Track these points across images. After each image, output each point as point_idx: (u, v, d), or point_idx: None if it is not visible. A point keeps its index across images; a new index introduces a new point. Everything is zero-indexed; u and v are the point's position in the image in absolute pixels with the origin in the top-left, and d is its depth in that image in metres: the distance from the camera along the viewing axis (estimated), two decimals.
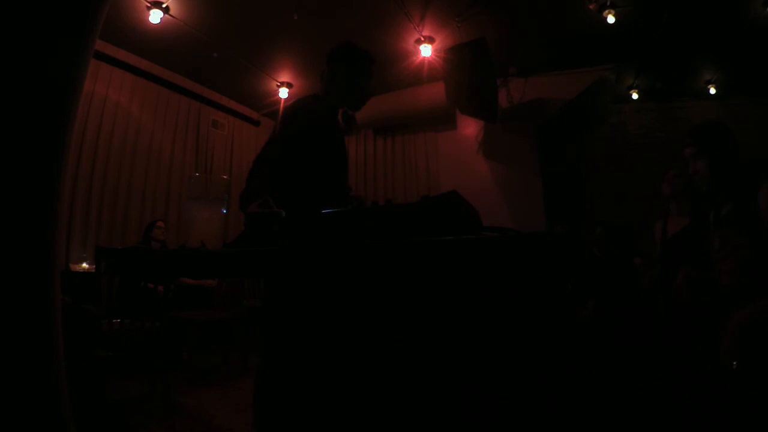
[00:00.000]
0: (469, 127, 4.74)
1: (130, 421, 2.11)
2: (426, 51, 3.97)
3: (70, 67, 0.97)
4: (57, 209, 0.94)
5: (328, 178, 1.49)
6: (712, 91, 4.79)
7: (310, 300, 1.10)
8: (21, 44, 0.89)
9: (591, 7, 3.39)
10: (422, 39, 3.88)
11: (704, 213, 1.59)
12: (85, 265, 3.47)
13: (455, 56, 3.63)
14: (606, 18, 3.37)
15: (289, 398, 1.22)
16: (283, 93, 4.84)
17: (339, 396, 0.90)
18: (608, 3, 3.34)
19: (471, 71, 3.59)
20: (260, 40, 3.96)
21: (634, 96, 5.00)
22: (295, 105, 1.58)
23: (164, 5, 3.40)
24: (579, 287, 2.73)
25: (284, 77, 4.70)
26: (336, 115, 1.62)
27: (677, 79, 4.76)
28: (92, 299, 2.56)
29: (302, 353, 1.15)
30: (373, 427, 0.83)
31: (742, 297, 1.29)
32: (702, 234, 1.59)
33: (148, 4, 3.37)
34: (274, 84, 4.78)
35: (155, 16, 3.42)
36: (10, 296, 0.85)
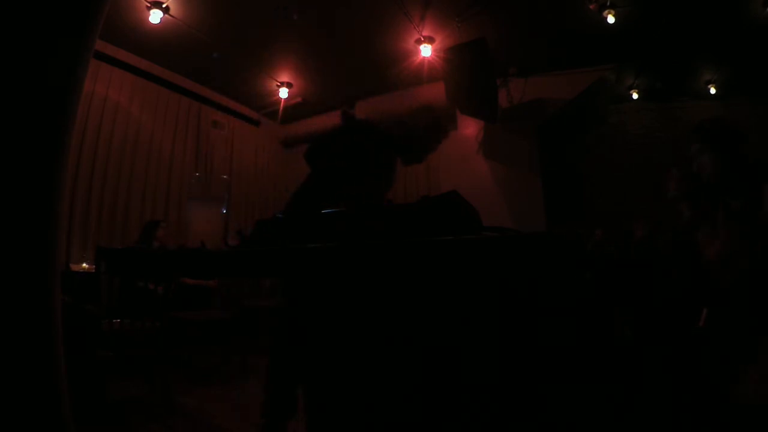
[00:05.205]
0: (469, 127, 4.74)
1: (130, 421, 2.10)
2: (426, 51, 3.97)
3: (70, 68, 0.97)
4: (57, 209, 0.94)
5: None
6: (712, 91, 4.80)
7: (310, 300, 1.10)
8: (21, 44, 0.89)
9: (591, 7, 3.39)
10: (422, 39, 3.88)
11: (712, 211, 1.54)
12: (85, 265, 3.47)
13: (455, 56, 3.63)
14: (606, 18, 3.37)
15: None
16: (283, 93, 4.84)
17: (341, 393, 0.90)
18: (608, 3, 3.34)
19: (471, 71, 3.59)
20: (260, 40, 3.96)
21: (634, 96, 5.00)
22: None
23: (164, 5, 3.40)
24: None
25: (284, 77, 4.70)
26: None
27: (677, 79, 4.77)
28: (92, 299, 2.55)
29: (305, 351, 1.15)
30: (375, 424, 0.83)
31: (751, 297, 1.28)
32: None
33: (148, 4, 3.37)
34: (274, 84, 4.78)
35: (155, 16, 3.43)
36: (10, 296, 0.85)
